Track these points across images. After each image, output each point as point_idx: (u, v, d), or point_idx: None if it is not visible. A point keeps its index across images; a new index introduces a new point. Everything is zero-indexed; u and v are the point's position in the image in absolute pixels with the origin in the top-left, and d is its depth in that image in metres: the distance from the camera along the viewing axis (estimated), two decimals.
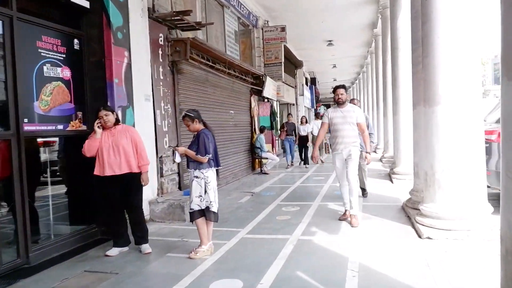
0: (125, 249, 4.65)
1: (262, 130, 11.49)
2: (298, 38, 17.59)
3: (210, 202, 4.27)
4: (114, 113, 4.50)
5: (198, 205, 4.28)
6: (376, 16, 13.93)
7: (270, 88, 12.47)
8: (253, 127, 11.79)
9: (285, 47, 16.34)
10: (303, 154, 12.70)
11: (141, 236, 4.61)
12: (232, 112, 10.19)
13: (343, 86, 5.38)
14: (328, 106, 52.42)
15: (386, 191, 7.55)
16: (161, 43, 6.78)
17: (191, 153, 4.22)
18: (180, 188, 7.32)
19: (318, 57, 21.85)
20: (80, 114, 5.09)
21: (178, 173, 7.30)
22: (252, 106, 11.62)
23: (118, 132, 4.43)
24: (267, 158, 11.34)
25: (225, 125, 9.73)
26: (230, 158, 9.95)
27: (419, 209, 4.97)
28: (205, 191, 4.25)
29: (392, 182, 8.51)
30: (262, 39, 13.47)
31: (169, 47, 7.05)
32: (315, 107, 33.30)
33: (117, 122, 4.52)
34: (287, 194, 7.90)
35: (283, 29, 13.48)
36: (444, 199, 4.51)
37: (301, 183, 9.34)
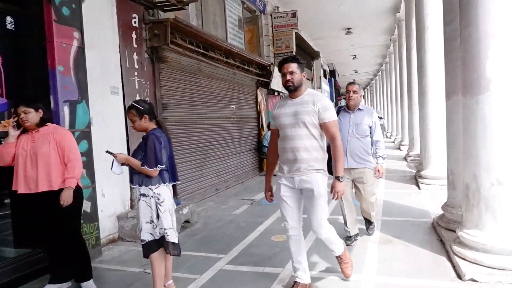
0: (65, 285, 3.56)
1: (270, 126, 10.24)
2: (314, 26, 16.22)
3: (165, 230, 3.09)
4: (40, 110, 3.32)
5: (150, 233, 3.13)
6: None
7: (279, 80, 11.18)
8: (261, 123, 10.58)
9: (299, 36, 15.03)
10: None
11: (80, 272, 3.50)
12: (234, 107, 8.99)
13: (294, 59, 3.07)
14: None
15: (411, 201, 6.22)
16: (136, 25, 5.64)
17: (135, 162, 3.04)
18: None
19: (336, 47, 20.34)
20: None
21: None
22: (259, 100, 10.39)
23: (41, 137, 3.28)
24: None
25: (225, 121, 8.55)
26: (231, 159, 8.77)
27: (455, 232, 3.69)
28: (158, 215, 3.08)
29: (419, 188, 7.14)
30: (271, 26, 12.19)
31: (147, 30, 5.92)
32: (335, 101, 31.80)
33: (44, 122, 3.37)
34: None
35: (294, 14, 12.15)
36: (494, 225, 3.21)
37: None
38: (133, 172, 3.09)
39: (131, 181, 3.13)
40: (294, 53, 12.27)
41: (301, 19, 14.56)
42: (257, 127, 10.49)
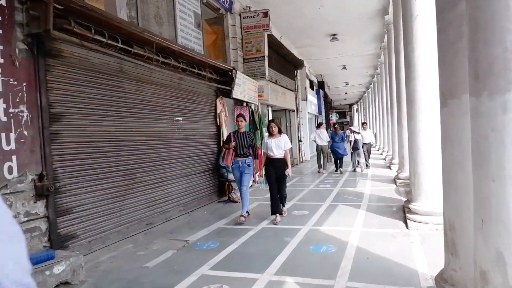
0: None
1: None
2: (295, 32, 14.73)
3: None
4: None
5: None
6: None
7: (245, 88, 9.53)
8: (221, 138, 8.86)
9: (278, 42, 13.53)
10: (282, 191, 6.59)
11: None
12: (180, 119, 7.29)
13: None
14: (342, 114, 48.14)
15: (394, 250, 4.46)
16: (2, 2, 3.99)
17: None
18: (51, 243, 4.46)
19: (322, 55, 18.84)
20: None
21: (48, 217, 4.43)
22: (219, 110, 8.70)
23: None
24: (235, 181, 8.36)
25: (166, 137, 6.83)
26: (175, 183, 7.03)
27: None
28: None
29: (407, 226, 5.39)
30: (240, 27, 10.60)
31: (24, 11, 4.25)
32: (326, 115, 30.21)
33: None
34: (233, 249, 4.90)
35: (266, 14, 10.57)
36: None
37: (267, 224, 6.25)
38: None
39: None
40: (266, 58, 10.68)
41: (281, 24, 13.10)
42: (216, 144, 8.77)
